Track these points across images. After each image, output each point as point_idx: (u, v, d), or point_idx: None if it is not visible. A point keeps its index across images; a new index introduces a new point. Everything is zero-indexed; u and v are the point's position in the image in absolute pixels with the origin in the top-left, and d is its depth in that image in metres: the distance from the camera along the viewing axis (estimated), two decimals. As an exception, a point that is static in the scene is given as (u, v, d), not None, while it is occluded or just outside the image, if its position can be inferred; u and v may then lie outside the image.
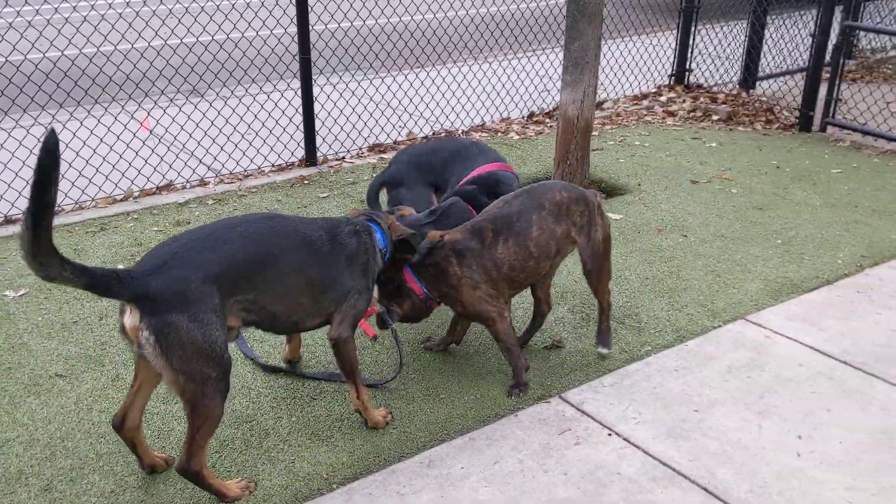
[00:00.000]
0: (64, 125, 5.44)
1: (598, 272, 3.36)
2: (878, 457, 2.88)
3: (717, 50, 8.12)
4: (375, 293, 3.13)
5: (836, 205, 5.08)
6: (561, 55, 6.87)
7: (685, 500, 2.68)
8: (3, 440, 2.94)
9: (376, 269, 2.99)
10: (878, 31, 7.56)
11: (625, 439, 2.96)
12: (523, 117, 6.87)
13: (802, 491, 2.72)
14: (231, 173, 5.55)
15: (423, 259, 3.13)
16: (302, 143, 5.74)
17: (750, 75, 7.44)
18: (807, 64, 6.68)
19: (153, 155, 5.61)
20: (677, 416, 3.10)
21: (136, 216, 4.83)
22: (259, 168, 5.64)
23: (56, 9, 5.86)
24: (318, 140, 5.80)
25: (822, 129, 6.61)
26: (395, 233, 3.05)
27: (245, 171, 5.60)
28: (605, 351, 3.44)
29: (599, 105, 6.95)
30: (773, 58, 7.68)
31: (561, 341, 3.57)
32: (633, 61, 7.82)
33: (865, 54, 8.72)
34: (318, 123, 5.77)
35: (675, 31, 7.70)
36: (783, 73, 7.70)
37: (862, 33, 8.42)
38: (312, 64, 5.55)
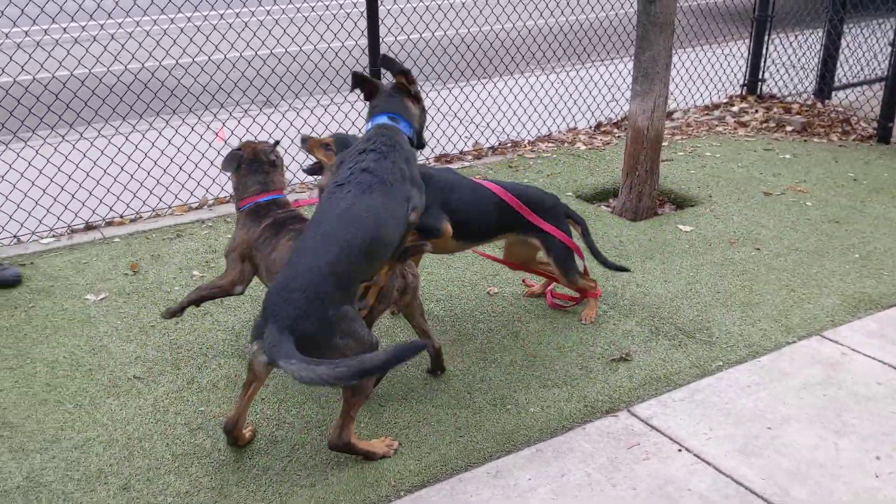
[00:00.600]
0: (143, 135, 5.63)
1: None
2: (963, 481, 2.77)
3: (792, 59, 7.94)
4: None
5: (917, 218, 4.91)
6: (630, 65, 6.82)
7: (758, 520, 2.62)
8: (84, 439, 3.05)
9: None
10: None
11: (695, 455, 2.91)
12: (590, 128, 6.84)
13: (882, 514, 2.64)
14: (301, 182, 5.65)
15: None
16: (370, 153, 5.81)
17: (825, 85, 7.25)
18: (886, 73, 6.48)
19: (227, 164, 5.75)
20: (750, 432, 3.04)
21: (210, 223, 4.96)
22: (328, 178, 5.73)
23: (137, 22, 6.08)
24: (386, 150, 5.86)
25: (902, 140, 6.40)
26: None
27: (315, 181, 5.69)
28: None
29: (669, 115, 6.86)
30: (850, 67, 7.47)
31: (629, 354, 3.53)
32: (704, 71, 7.70)
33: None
34: (387, 134, 5.83)
35: (747, 41, 7.56)
36: (860, 83, 7.48)
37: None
38: (381, 75, 5.62)
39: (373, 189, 2.81)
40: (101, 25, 5.64)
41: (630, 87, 4.96)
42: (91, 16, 5.64)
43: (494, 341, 3.67)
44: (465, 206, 3.45)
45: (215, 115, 6.24)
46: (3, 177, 4.99)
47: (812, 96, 7.32)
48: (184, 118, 5.93)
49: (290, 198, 4.04)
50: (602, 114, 7.07)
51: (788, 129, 6.74)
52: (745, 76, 7.53)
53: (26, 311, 3.95)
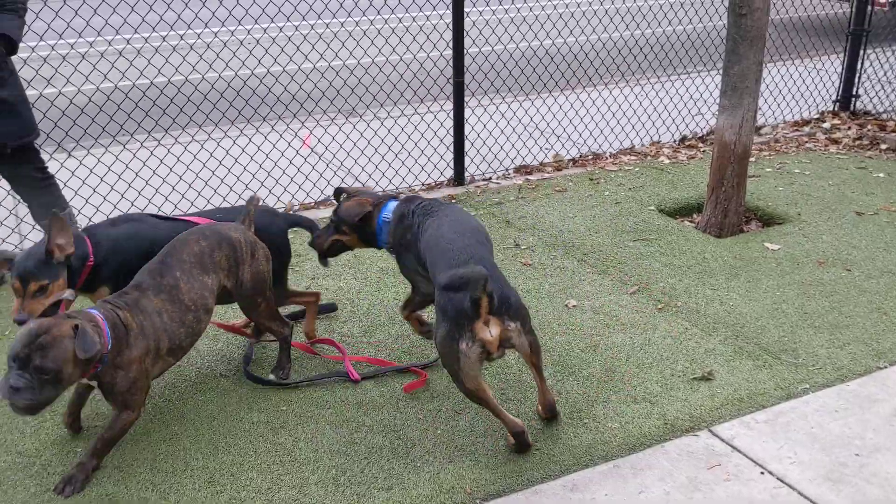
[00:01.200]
0: (234, 140, 5.81)
1: (253, 310, 3.36)
2: None
3: (888, 75, 7.66)
4: None
5: None
6: (716, 78, 6.69)
7: (844, 549, 2.54)
8: (172, 433, 3.16)
9: None
10: None
11: (779, 479, 2.84)
12: (675, 141, 6.74)
13: (979, 551, 2.52)
14: (384, 190, 5.74)
15: None
16: (451, 163, 5.87)
17: (925, 102, 6.97)
18: None
19: (313, 171, 5.90)
20: (836, 458, 2.94)
21: (295, 228, 5.07)
22: (409, 186, 5.81)
23: (232, 32, 6.29)
24: (467, 160, 5.91)
25: None
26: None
27: (396, 188, 5.78)
28: (271, 377, 3.48)
29: (757, 130, 6.70)
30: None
31: (711, 373, 3.46)
32: (795, 86, 7.50)
33: None
34: (467, 144, 5.88)
35: (840, 55, 7.33)
36: (963, 100, 7.17)
37: None
38: (465, 86, 5.67)
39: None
40: (198, 35, 5.86)
41: (717, 100, 4.88)
42: (188, 25, 5.87)
43: (573, 354, 3.65)
44: None
45: (303, 123, 6.40)
46: (101, 178, 5.22)
47: (910, 113, 7.05)
48: (273, 125, 6.09)
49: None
50: (687, 127, 6.96)
51: (883, 146, 6.50)
52: (837, 92, 7.30)
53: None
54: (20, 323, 2.95)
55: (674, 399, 3.31)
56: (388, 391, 3.39)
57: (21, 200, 4.35)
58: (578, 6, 8.87)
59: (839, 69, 7.32)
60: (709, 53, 8.01)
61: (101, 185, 5.24)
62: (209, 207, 5.29)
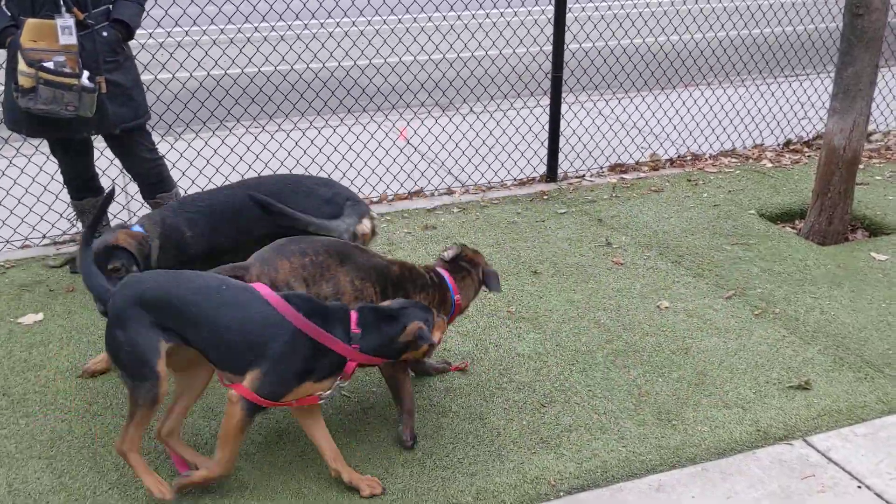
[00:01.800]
0: (335, 129, 5.95)
1: None
2: None
3: None
4: None
5: None
6: (825, 82, 6.45)
7: (945, 572, 2.42)
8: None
9: None
10: None
11: (877, 494, 2.73)
12: (778, 145, 6.53)
13: None
14: (476, 185, 5.77)
15: None
16: (544, 159, 5.85)
17: None
18: None
19: (408, 162, 5.98)
20: (941, 479, 2.81)
21: (388, 218, 5.16)
22: (502, 181, 5.82)
23: (338, 23, 6.44)
24: (561, 157, 5.87)
25: None
26: None
27: (489, 183, 5.79)
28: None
29: (868, 137, 6.43)
30: None
31: (808, 383, 3.36)
32: (911, 91, 7.16)
33: None
34: (561, 141, 5.85)
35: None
36: None
37: None
38: (563, 82, 5.64)
39: None
40: (305, 25, 6.01)
41: (825, 105, 4.71)
42: (280, 17, 6.03)
43: (663, 356, 3.60)
44: None
45: (401, 115, 6.49)
46: (208, 161, 5.43)
47: None
48: (372, 116, 6.20)
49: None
50: (792, 131, 6.73)
51: None
52: (958, 99, 6.93)
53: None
54: None
55: (767, 406, 3.22)
56: (475, 380, 3.42)
57: (131, 178, 4.56)
58: (685, 3, 8.69)
59: (961, 75, 6.94)
60: (819, 55, 7.73)
61: (207, 167, 5.44)
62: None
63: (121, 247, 3.30)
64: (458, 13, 6.91)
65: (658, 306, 4.01)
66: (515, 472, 2.88)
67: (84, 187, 4.41)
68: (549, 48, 5.61)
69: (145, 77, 4.43)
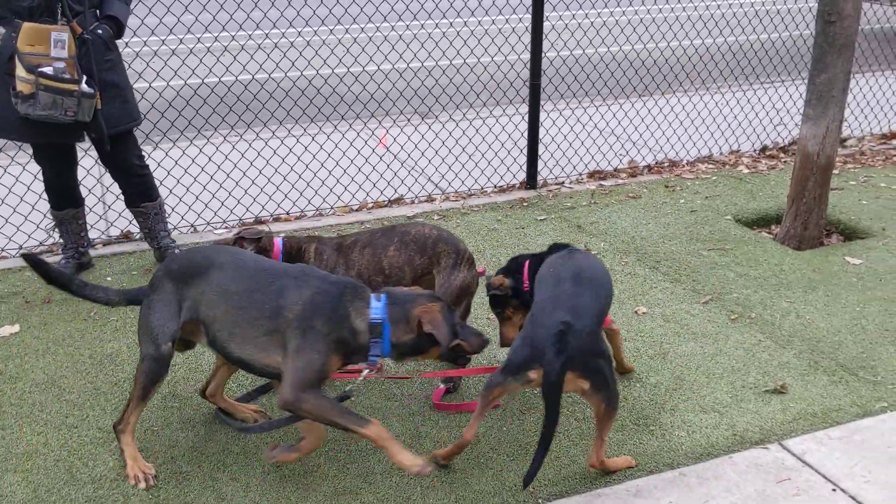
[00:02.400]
0: (313, 137, 5.94)
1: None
2: None
3: None
4: None
5: None
6: (800, 88, 6.53)
7: (919, 573, 2.45)
8: (244, 417, 3.25)
9: None
10: None
11: (851, 497, 2.76)
12: (755, 151, 6.60)
13: None
14: (456, 192, 5.78)
15: None
16: (524, 166, 5.87)
17: None
18: None
19: (387, 170, 5.98)
20: (914, 481, 2.85)
21: (368, 225, 5.16)
22: (482, 188, 5.84)
23: (315, 31, 6.44)
24: (540, 164, 5.90)
25: None
26: None
27: (469, 190, 5.81)
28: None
29: (842, 142, 6.51)
30: None
31: (784, 386, 3.39)
32: (884, 97, 7.26)
33: None
34: (540, 148, 5.88)
35: (935, 66, 7.07)
36: None
37: None
38: (541, 90, 5.67)
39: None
40: (283, 33, 6.01)
41: (800, 110, 4.76)
42: (274, 23, 6.03)
43: (641, 361, 3.62)
44: None
45: (380, 123, 6.49)
46: (185, 170, 5.41)
47: None
48: (350, 124, 6.21)
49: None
50: (768, 137, 6.80)
51: (978, 162, 6.24)
52: (930, 104, 7.03)
53: (199, 294, 4.26)
54: None
55: (744, 411, 3.25)
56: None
57: (107, 188, 4.53)
58: (660, 11, 8.77)
59: (932, 81, 7.05)
60: (794, 62, 7.82)
61: (185, 176, 5.42)
62: (285, 202, 5.42)
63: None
64: (436, 22, 6.94)
65: (636, 311, 4.03)
66: (495, 480, 2.88)
67: (66, 197, 4.37)
68: (527, 56, 5.64)
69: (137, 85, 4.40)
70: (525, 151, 5.82)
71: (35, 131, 3.99)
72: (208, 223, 5.20)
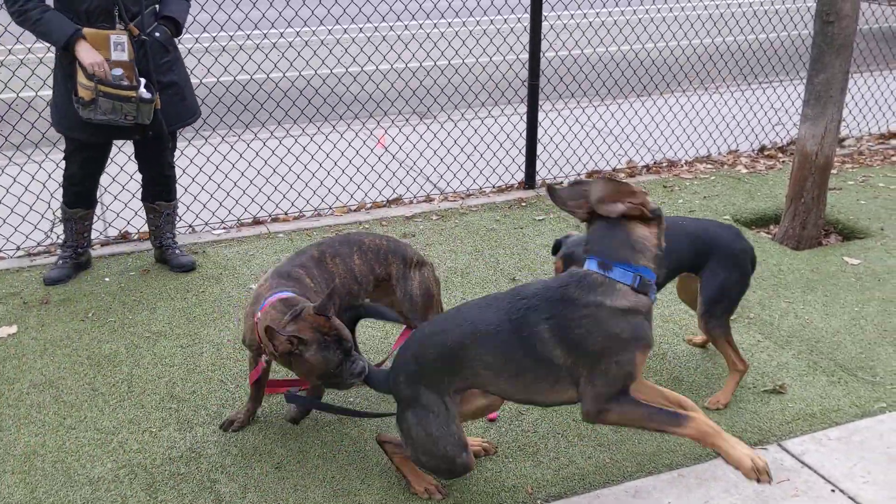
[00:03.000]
0: (311, 138, 5.94)
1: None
2: None
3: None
4: None
5: None
6: (798, 88, 6.53)
7: (918, 574, 2.45)
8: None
9: None
10: None
11: (850, 498, 2.76)
12: (753, 150, 6.60)
13: None
14: (454, 192, 5.78)
15: None
16: (522, 167, 5.87)
17: None
18: None
19: (386, 170, 5.98)
20: (913, 481, 2.84)
21: (366, 226, 5.16)
22: (480, 188, 5.83)
23: (314, 31, 6.43)
24: (538, 164, 5.90)
25: None
26: None
27: (467, 190, 5.81)
28: None
29: (841, 142, 6.51)
30: None
31: (783, 387, 3.38)
32: (882, 97, 7.26)
33: None
34: (539, 148, 5.88)
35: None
36: None
37: None
38: (540, 90, 5.67)
39: None
40: (281, 33, 6.00)
41: (799, 110, 4.76)
42: (273, 24, 6.02)
43: (640, 361, 3.61)
44: None
45: (378, 123, 6.49)
46: (183, 170, 5.40)
47: None
48: (349, 124, 6.20)
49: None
50: (767, 137, 6.80)
51: (976, 162, 6.24)
52: (928, 104, 7.03)
53: (197, 295, 4.26)
54: None
55: (742, 411, 3.25)
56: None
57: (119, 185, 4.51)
58: (659, 11, 8.78)
59: (931, 81, 7.06)
60: (792, 62, 7.82)
61: (183, 176, 5.41)
62: (284, 203, 5.42)
63: None
64: (434, 22, 6.94)
65: (635, 312, 4.02)
66: (492, 481, 2.88)
67: (83, 196, 4.35)
68: (525, 56, 5.64)
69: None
70: (523, 151, 5.82)
71: (95, 129, 4.02)
72: (206, 224, 5.20)
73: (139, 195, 4.74)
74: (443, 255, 4.66)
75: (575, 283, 2.45)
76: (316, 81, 6.66)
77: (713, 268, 3.28)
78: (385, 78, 6.51)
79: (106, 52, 3.86)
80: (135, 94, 3.87)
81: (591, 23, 7.62)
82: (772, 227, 5.15)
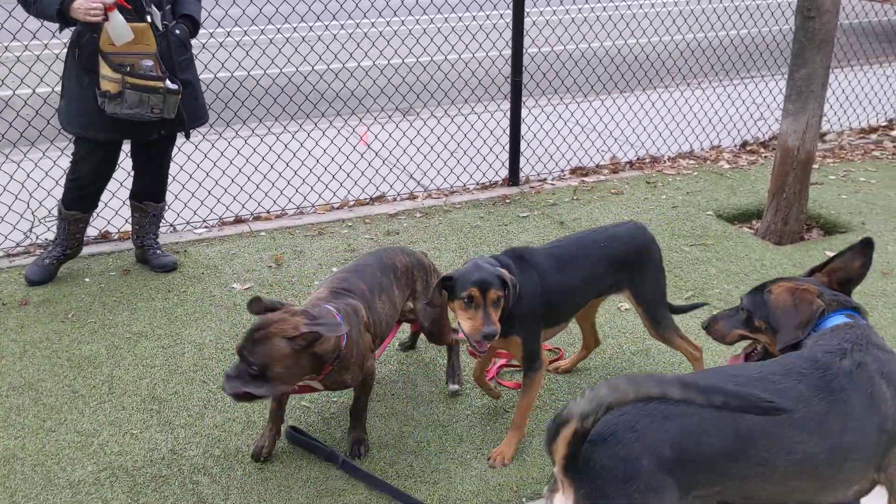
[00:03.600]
0: (293, 135, 5.90)
1: (438, 333, 3.32)
2: None
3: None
4: None
5: None
6: (780, 83, 6.55)
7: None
8: (224, 419, 3.22)
9: None
10: None
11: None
12: (735, 146, 6.62)
13: None
14: (438, 189, 5.76)
15: None
16: (506, 163, 5.86)
17: None
18: None
19: (369, 167, 5.95)
20: None
21: (350, 224, 5.13)
22: (464, 185, 5.82)
23: (294, 28, 6.39)
24: (522, 161, 5.89)
25: None
26: None
27: (451, 187, 5.79)
28: (455, 387, 3.34)
29: (822, 137, 6.55)
30: None
31: (766, 381, 3.39)
32: (862, 92, 7.31)
33: None
34: (522, 145, 5.87)
35: (913, 61, 7.12)
36: None
37: None
38: (523, 86, 5.66)
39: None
40: (262, 30, 5.96)
41: (781, 105, 4.78)
42: (253, 20, 5.97)
43: (623, 357, 3.62)
44: None
45: (360, 120, 6.46)
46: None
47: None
48: (332, 121, 6.17)
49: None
50: (749, 132, 6.83)
51: (955, 156, 6.29)
52: (908, 99, 7.08)
53: (179, 295, 4.22)
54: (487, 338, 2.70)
55: (727, 406, 3.25)
56: (438, 388, 3.41)
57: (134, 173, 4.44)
58: (641, 7, 8.79)
59: (910, 76, 7.11)
60: (773, 57, 7.85)
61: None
62: (266, 201, 5.38)
63: None
64: (416, 18, 6.91)
65: (619, 308, 4.03)
66: (478, 480, 2.87)
67: (86, 199, 4.27)
68: (508, 52, 5.63)
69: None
70: (507, 148, 5.81)
71: (111, 126, 3.95)
72: (188, 223, 5.15)
73: (120, 194, 4.70)
74: (427, 253, 4.64)
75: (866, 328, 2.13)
76: (298, 78, 6.62)
77: (640, 277, 3.16)
78: (367, 74, 6.48)
79: (133, 42, 3.75)
80: (162, 85, 3.82)
81: (573, 19, 7.62)
82: (754, 222, 5.17)
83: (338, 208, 5.42)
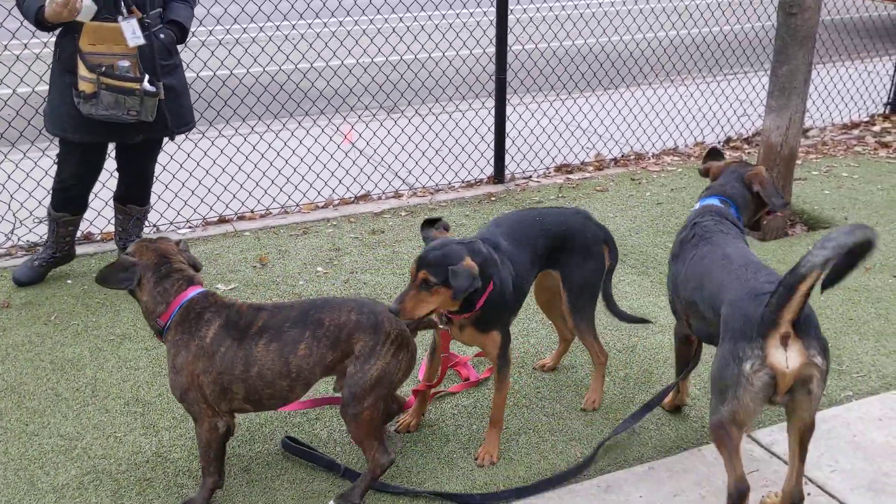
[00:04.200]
0: (277, 134, 5.87)
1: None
2: None
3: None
4: None
5: None
6: (763, 79, 6.59)
7: (885, 561, 2.48)
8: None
9: None
10: None
11: (819, 486, 2.79)
12: (719, 142, 6.64)
13: None
14: (423, 187, 5.75)
15: None
16: (491, 161, 5.86)
17: (981, 106, 6.78)
18: None
19: (353, 166, 5.93)
20: (880, 469, 2.88)
21: (335, 223, 5.11)
22: (449, 183, 5.81)
23: (277, 26, 6.35)
24: (507, 158, 5.89)
25: None
26: None
27: (436, 185, 5.78)
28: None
29: (805, 133, 6.58)
30: None
31: (751, 377, 3.40)
32: (844, 88, 7.35)
33: None
34: (507, 142, 5.86)
35: (893, 57, 7.16)
36: None
37: None
38: (507, 84, 5.65)
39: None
40: (244, 29, 5.92)
41: (763, 101, 4.80)
42: (235, 19, 5.94)
43: (610, 355, 3.61)
44: None
45: (345, 118, 6.44)
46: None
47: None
48: (315, 120, 6.14)
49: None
50: (732, 129, 6.86)
51: (936, 151, 6.34)
52: (889, 94, 7.13)
53: (163, 296, 4.18)
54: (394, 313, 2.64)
55: (712, 403, 3.26)
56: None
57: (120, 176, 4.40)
58: (624, 4, 8.81)
59: (890, 71, 7.16)
60: (756, 54, 7.89)
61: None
62: (250, 201, 5.35)
63: None
64: (400, 16, 6.89)
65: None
66: (465, 478, 2.86)
67: (73, 201, 4.23)
68: (492, 50, 5.62)
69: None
70: (492, 146, 5.81)
71: (91, 129, 3.91)
72: (171, 223, 5.12)
73: (102, 195, 4.65)
74: (412, 252, 4.63)
75: None
76: (281, 77, 6.59)
77: (571, 260, 3.12)
78: (351, 73, 6.46)
79: (113, 42, 3.72)
80: (138, 87, 3.77)
81: (556, 16, 7.62)
82: (738, 218, 5.18)
83: (322, 207, 5.40)
